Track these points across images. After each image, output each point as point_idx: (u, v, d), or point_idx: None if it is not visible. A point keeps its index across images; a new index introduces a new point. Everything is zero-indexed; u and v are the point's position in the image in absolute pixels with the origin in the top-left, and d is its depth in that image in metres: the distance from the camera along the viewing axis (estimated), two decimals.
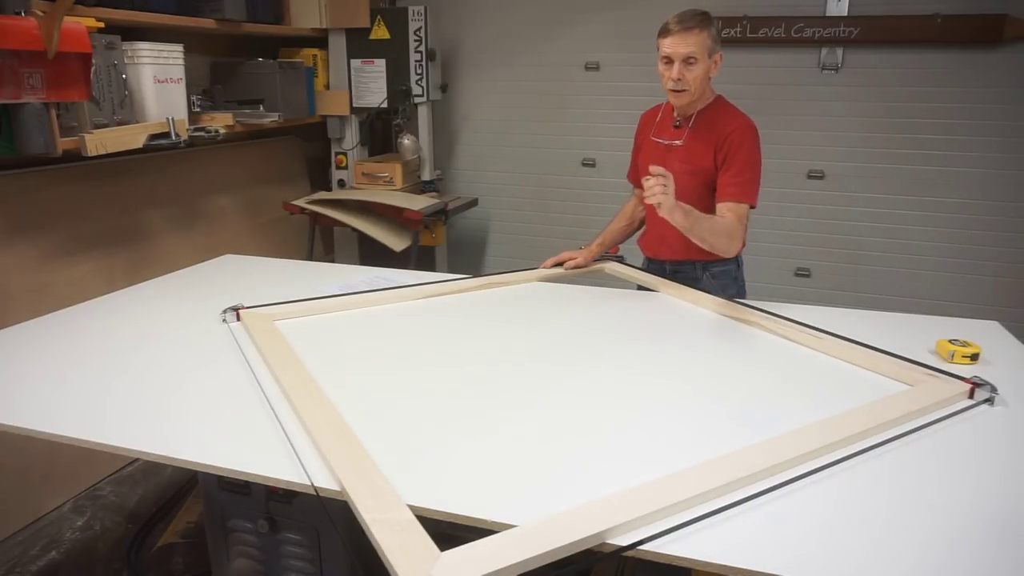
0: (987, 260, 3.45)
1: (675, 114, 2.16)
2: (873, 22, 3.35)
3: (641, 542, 0.97)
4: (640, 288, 2.25)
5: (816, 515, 1.04)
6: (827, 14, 3.42)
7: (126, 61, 2.49)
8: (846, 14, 3.39)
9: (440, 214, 3.51)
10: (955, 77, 3.34)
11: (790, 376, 1.54)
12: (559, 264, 2.29)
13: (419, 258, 3.45)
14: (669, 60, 1.97)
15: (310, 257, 3.55)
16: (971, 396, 1.43)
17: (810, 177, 3.62)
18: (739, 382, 1.51)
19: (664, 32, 1.97)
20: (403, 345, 1.71)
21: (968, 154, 3.39)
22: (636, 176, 2.38)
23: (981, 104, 3.33)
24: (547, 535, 0.96)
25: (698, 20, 1.94)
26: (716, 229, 1.91)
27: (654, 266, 2.34)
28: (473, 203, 3.96)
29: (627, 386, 1.49)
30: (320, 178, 3.94)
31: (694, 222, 1.84)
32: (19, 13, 1.96)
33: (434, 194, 3.73)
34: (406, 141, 3.68)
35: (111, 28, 2.37)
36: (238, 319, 1.80)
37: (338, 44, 3.61)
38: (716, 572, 0.95)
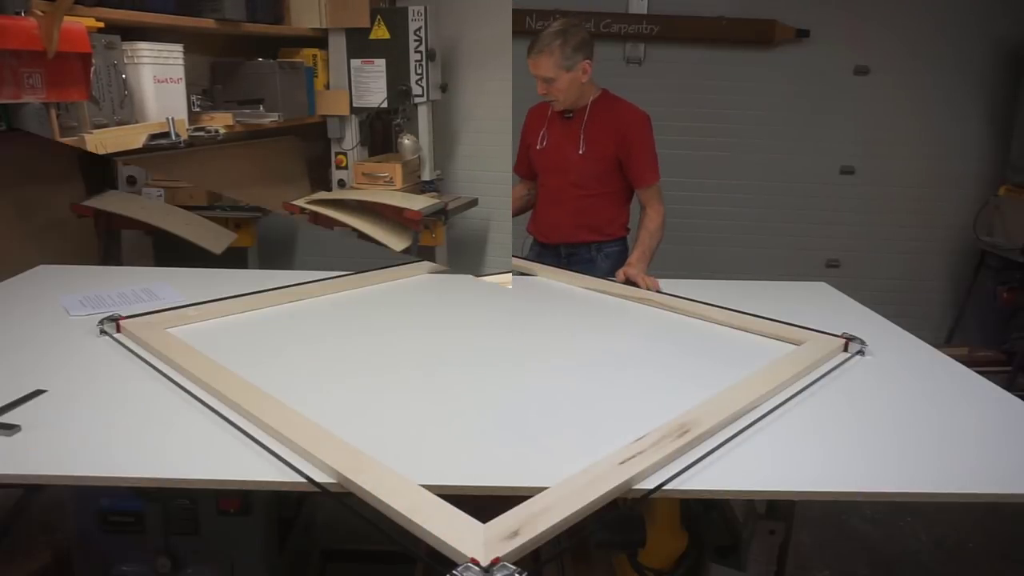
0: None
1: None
2: (670, 21, 3.81)
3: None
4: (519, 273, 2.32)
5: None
6: (629, 11, 3.83)
7: (126, 61, 2.49)
8: (646, 12, 3.80)
9: (440, 214, 3.51)
10: (737, 73, 3.94)
11: (691, 346, 1.73)
12: None
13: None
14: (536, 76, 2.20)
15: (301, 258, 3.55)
16: (846, 349, 1.65)
17: None
18: (639, 357, 1.66)
19: (527, 51, 2.20)
20: (312, 342, 1.76)
21: (751, 141, 4.12)
22: (524, 169, 2.48)
23: (758, 96, 4.00)
24: (579, 491, 1.02)
25: (547, 42, 2.14)
26: (655, 234, 2.23)
27: (548, 251, 2.40)
28: (473, 203, 3.95)
29: (508, 369, 1.62)
30: (320, 178, 3.93)
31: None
32: (19, 13, 1.96)
33: (434, 194, 3.72)
34: (406, 141, 3.67)
35: (111, 28, 2.37)
36: (118, 330, 1.68)
37: (338, 44, 3.60)
38: None
